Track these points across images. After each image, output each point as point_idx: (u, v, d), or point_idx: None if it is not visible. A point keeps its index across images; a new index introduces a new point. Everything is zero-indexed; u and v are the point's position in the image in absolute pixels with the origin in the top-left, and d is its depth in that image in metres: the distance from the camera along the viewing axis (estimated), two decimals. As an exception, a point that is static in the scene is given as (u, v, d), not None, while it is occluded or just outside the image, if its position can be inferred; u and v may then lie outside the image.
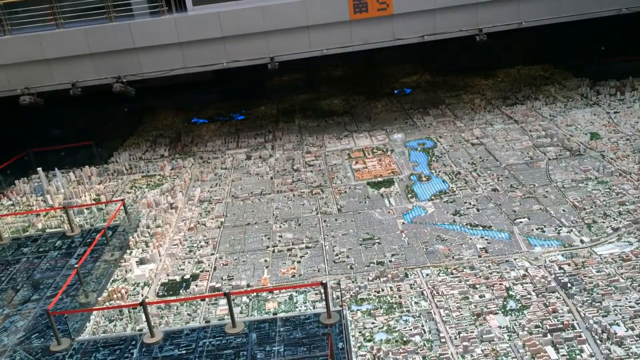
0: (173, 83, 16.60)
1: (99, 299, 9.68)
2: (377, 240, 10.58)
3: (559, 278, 8.79)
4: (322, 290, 8.64)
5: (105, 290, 9.89)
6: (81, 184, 14.46)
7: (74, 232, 12.16)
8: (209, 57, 14.37)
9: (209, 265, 10.45)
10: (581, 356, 7.31)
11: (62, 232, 12.26)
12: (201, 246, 11.13)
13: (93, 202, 13.48)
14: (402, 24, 14.38)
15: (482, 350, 7.58)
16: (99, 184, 14.46)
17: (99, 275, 10.53)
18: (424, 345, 7.82)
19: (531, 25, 14.79)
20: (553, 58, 19.77)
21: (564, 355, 7.36)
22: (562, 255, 9.42)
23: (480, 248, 9.92)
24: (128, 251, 11.11)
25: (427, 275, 9.36)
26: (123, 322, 9.08)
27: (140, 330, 8.83)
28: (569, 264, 9.12)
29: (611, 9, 14.88)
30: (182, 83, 17.25)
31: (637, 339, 7.45)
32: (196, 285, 9.81)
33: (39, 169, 14.21)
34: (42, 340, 8.88)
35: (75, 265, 10.20)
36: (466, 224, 10.76)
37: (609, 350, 7.31)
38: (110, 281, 10.26)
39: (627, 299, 8.20)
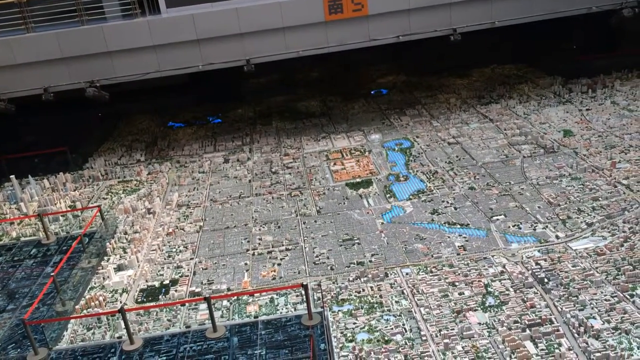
0: (148, 87, 16.42)
1: (77, 307, 9.52)
2: (356, 241, 10.61)
3: (536, 273, 8.93)
4: (303, 292, 8.64)
5: (83, 298, 9.75)
6: (56, 191, 14.22)
7: (50, 240, 11.96)
8: (184, 60, 14.26)
9: (188, 270, 10.36)
10: (559, 350, 7.42)
11: (37, 240, 12.05)
12: (180, 251, 11.04)
13: (68, 209, 13.26)
14: (377, 24, 14.45)
15: (462, 347, 7.66)
16: (74, 190, 14.24)
17: (76, 283, 10.37)
18: (406, 343, 7.87)
19: (504, 25, 15.00)
20: (526, 57, 20.04)
21: (542, 349, 7.47)
22: (539, 251, 9.57)
23: (458, 246, 10.02)
24: (105, 258, 10.95)
25: (407, 274, 9.42)
26: (101, 329, 8.96)
27: (120, 337, 8.72)
28: (545, 260, 9.27)
29: (581, 7, 15.17)
30: (157, 87, 17.05)
31: (614, 331, 7.59)
32: (176, 291, 9.73)
33: (12, 176, 13.92)
34: (18, 350, 8.71)
35: (52, 274, 10.04)
36: (444, 223, 10.85)
37: (587, 343, 7.43)
38: (88, 289, 10.11)
39: (602, 292, 8.36)
